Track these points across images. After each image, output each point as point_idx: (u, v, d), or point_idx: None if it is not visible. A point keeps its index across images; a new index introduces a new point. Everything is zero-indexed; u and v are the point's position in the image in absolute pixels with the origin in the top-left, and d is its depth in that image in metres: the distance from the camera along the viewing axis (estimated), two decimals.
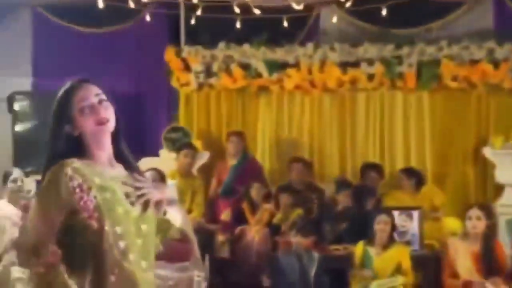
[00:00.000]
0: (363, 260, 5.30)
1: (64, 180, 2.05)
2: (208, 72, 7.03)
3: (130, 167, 2.22)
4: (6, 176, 5.29)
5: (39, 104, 7.16)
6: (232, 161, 6.73)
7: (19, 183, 5.19)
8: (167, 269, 4.96)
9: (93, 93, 2.16)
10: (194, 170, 6.66)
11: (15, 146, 7.01)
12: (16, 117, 7.05)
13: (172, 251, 5.05)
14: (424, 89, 6.77)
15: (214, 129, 7.20)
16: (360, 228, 5.62)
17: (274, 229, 6.08)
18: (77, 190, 2.04)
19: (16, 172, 5.30)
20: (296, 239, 5.37)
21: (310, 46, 6.92)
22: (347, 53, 6.82)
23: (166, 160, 6.54)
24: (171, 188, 5.86)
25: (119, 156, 2.22)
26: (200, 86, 7.09)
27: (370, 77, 6.76)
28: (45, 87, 7.24)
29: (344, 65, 6.79)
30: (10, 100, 7.09)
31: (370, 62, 6.73)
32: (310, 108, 7.07)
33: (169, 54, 7.03)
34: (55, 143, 2.16)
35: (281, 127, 7.13)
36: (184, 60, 7.04)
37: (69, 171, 2.04)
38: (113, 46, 7.26)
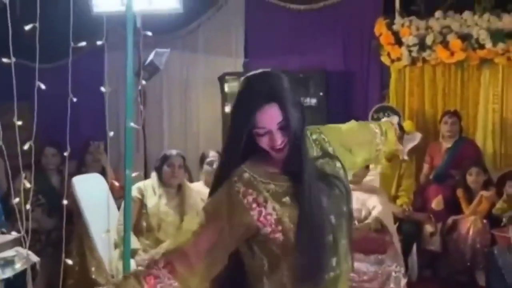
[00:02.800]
0: None
1: (237, 198, 2.01)
2: (422, 45, 6.64)
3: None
4: (203, 157, 5.37)
5: (253, 86, 7.29)
6: (447, 144, 6.35)
7: (215, 165, 5.21)
8: (363, 262, 4.71)
9: (275, 121, 2.02)
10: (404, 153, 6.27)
11: (223, 127, 7.12)
12: (225, 98, 7.14)
13: (367, 242, 4.82)
14: None
15: (428, 108, 6.83)
16: None
17: (493, 221, 5.65)
18: (254, 205, 2.01)
19: (213, 154, 5.34)
20: None
21: None
22: None
23: None
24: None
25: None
26: (413, 61, 6.74)
27: None
28: (256, 67, 7.37)
29: None
30: (221, 81, 7.24)
31: None
32: None
33: (380, 27, 6.76)
34: (232, 144, 2.09)
35: (507, 105, 6.56)
36: (395, 33, 6.73)
37: (241, 187, 2.01)
38: (324, 23, 7.16)
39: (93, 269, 4.88)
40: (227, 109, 7.02)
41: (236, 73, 7.28)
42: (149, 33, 4.06)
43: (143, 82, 4.58)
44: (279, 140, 2.04)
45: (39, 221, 5.43)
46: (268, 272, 2.03)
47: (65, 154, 3.27)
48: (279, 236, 1.98)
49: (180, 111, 7.50)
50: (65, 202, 3.42)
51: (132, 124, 3.64)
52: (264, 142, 2.07)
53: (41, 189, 5.35)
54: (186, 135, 7.42)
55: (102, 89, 3.60)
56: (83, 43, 3.23)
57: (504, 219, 5.41)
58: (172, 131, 7.58)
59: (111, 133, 3.55)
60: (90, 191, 4.95)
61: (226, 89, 7.15)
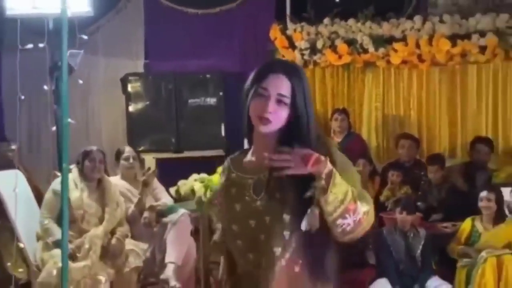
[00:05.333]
0: (470, 235, 5.28)
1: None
2: (313, 49, 7.04)
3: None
4: (119, 153, 5.60)
5: (151, 85, 7.55)
6: (337, 139, 6.71)
7: (131, 160, 5.50)
8: None
9: (278, 88, 2.01)
10: None
11: (128, 125, 7.33)
12: (129, 98, 7.33)
13: None
14: None
15: (319, 107, 7.21)
16: (470, 205, 5.51)
17: (380, 206, 5.98)
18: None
19: (128, 150, 5.58)
20: (401, 217, 5.31)
21: (418, 19, 6.82)
22: (457, 25, 6.68)
23: None
24: None
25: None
26: (305, 64, 7.11)
27: (482, 49, 6.58)
28: (157, 68, 7.65)
29: (454, 38, 6.64)
30: (124, 81, 7.39)
31: (482, 33, 6.56)
32: (418, 83, 6.98)
33: (274, 32, 7.12)
34: (244, 123, 2.10)
35: (388, 104, 7.09)
36: (289, 38, 7.10)
37: (224, 169, 2.19)
38: (220, 27, 7.42)
39: (9, 264, 5.01)
40: (131, 108, 7.28)
41: (138, 73, 7.49)
42: (85, 37, 4.27)
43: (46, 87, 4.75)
44: (271, 107, 2.00)
45: None
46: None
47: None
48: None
49: (82, 111, 7.52)
50: None
51: (69, 119, 3.89)
52: (255, 107, 2.02)
53: None
54: (88, 134, 7.51)
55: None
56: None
57: (389, 205, 5.88)
58: (75, 131, 7.62)
59: (53, 128, 3.78)
60: (10, 187, 4.92)
61: (129, 89, 7.35)
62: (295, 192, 1.97)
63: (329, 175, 1.92)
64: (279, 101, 2.01)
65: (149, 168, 5.50)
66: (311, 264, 2.07)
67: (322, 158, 1.93)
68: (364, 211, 2.03)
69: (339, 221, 1.98)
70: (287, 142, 2.01)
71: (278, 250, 2.03)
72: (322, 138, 2.12)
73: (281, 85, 2.01)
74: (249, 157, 2.16)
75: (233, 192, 2.13)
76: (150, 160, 6.62)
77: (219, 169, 2.15)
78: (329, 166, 1.93)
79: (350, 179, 2.02)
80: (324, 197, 1.93)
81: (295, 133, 2.04)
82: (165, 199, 5.47)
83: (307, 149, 1.94)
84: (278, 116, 2.01)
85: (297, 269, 2.05)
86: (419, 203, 5.86)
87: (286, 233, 2.03)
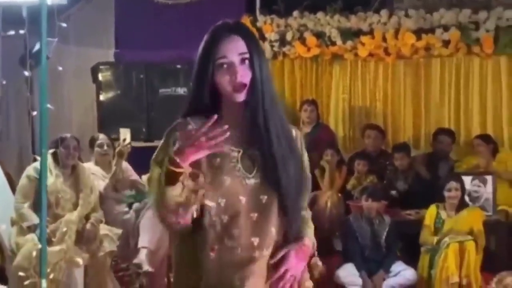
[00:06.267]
0: (434, 222, 5.41)
1: (173, 141, 1.90)
2: (282, 41, 7.14)
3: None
4: (93, 140, 5.68)
5: (122, 74, 7.48)
6: (306, 129, 6.80)
7: (105, 147, 5.58)
8: None
9: (237, 51, 1.92)
10: None
11: (99, 114, 7.32)
12: (100, 87, 7.31)
13: None
14: (502, 54, 6.69)
15: (288, 98, 7.29)
16: (433, 193, 5.67)
17: (346, 195, 6.18)
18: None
19: (102, 137, 5.67)
20: (367, 204, 5.45)
21: (384, 13, 6.94)
22: (422, 20, 6.82)
23: None
24: None
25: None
26: (275, 55, 7.22)
27: (446, 43, 6.74)
28: (127, 58, 7.61)
29: (419, 32, 6.78)
30: (95, 70, 7.35)
31: (446, 28, 6.71)
32: (384, 76, 7.11)
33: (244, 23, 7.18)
34: (193, 96, 1.99)
35: (354, 96, 7.22)
36: (259, 30, 7.14)
37: (177, 135, 1.90)
38: (190, 17, 7.41)
39: None
40: (102, 97, 7.29)
41: (109, 63, 7.46)
42: (64, 24, 4.33)
43: (27, 72, 4.81)
44: (239, 74, 1.90)
45: None
46: None
47: None
48: None
49: (53, 99, 7.50)
50: None
51: (48, 105, 3.98)
52: (225, 80, 1.92)
53: None
54: (59, 122, 7.50)
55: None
56: None
57: (355, 194, 6.03)
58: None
59: (34, 113, 3.85)
60: None
61: (100, 78, 7.32)
62: (286, 174, 1.96)
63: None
64: (243, 61, 1.92)
65: (124, 139, 5.50)
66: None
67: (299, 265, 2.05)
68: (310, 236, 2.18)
69: None
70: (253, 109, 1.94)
71: (273, 230, 1.99)
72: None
73: (238, 45, 1.92)
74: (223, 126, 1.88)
75: (218, 162, 1.95)
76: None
77: None
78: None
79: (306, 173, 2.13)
80: None
81: (254, 95, 1.93)
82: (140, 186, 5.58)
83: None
84: (248, 77, 1.92)
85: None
86: (393, 192, 6.04)
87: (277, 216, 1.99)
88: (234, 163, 1.97)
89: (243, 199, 1.95)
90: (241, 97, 1.93)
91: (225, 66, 1.91)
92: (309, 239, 2.13)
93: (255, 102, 1.93)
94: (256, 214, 1.96)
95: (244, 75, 1.91)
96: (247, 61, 1.92)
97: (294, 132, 2.08)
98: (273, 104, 1.97)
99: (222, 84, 1.92)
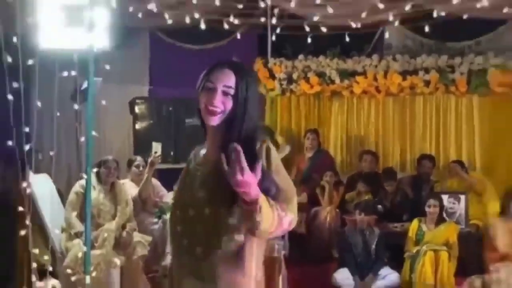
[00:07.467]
0: (416, 234, 5.43)
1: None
2: (290, 80, 7.22)
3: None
4: (131, 162, 5.82)
5: (154, 107, 7.69)
6: (308, 154, 6.84)
7: (141, 168, 5.71)
8: None
9: (223, 81, 1.82)
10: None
11: (135, 140, 7.50)
12: (136, 118, 7.50)
13: None
14: (474, 93, 6.73)
15: (294, 127, 7.34)
16: (416, 209, 5.73)
17: (343, 210, 6.17)
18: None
19: (139, 160, 5.80)
20: (360, 217, 5.47)
21: (375, 57, 7.02)
22: (407, 63, 6.89)
23: None
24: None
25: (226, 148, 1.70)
26: (283, 92, 7.29)
27: (427, 83, 6.80)
28: (159, 94, 7.76)
29: (404, 73, 6.85)
30: (132, 104, 7.56)
31: (427, 70, 6.79)
32: (375, 110, 7.15)
33: (258, 65, 7.27)
34: (199, 117, 1.91)
35: (350, 126, 7.24)
36: (270, 70, 7.25)
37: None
38: (212, 60, 7.49)
39: (35, 251, 5.16)
40: (137, 126, 7.46)
41: (143, 98, 7.62)
42: (107, 66, 4.50)
43: (76, 106, 4.94)
44: (217, 100, 1.80)
45: None
46: None
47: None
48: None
49: (97, 128, 7.53)
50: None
51: (93, 133, 4.16)
52: (203, 99, 1.83)
53: None
54: (102, 147, 7.61)
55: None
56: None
57: (350, 208, 5.98)
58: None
59: (82, 139, 4.02)
60: (41, 188, 5.16)
61: (136, 110, 7.51)
62: (230, 190, 1.69)
63: (255, 203, 1.67)
64: (225, 93, 1.82)
65: (155, 152, 5.57)
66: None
67: (254, 184, 1.65)
68: (289, 221, 1.79)
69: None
70: (232, 134, 1.81)
71: (214, 240, 1.81)
72: (262, 139, 1.84)
73: (226, 78, 1.83)
74: (204, 149, 1.95)
75: (187, 181, 1.93)
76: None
77: None
78: (259, 197, 1.68)
79: (282, 180, 1.81)
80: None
81: (236, 125, 1.82)
82: (167, 199, 5.68)
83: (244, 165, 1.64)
84: (224, 108, 1.82)
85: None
86: (379, 206, 5.99)
87: (223, 225, 1.80)
88: (196, 180, 1.91)
89: (191, 211, 1.90)
90: (213, 121, 1.83)
91: (208, 90, 1.83)
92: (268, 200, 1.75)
93: (230, 129, 1.82)
94: (199, 226, 1.85)
95: (221, 103, 1.81)
96: (231, 93, 1.82)
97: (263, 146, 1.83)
98: (248, 131, 1.83)
99: (201, 105, 1.85)
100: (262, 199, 1.69)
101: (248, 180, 1.63)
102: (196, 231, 1.82)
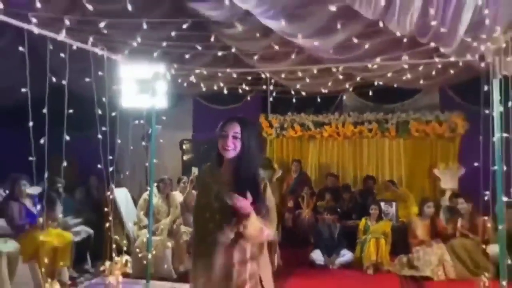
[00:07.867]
0: (364, 227, 5.36)
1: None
2: (282, 128, 7.19)
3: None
4: (179, 180, 5.77)
5: (194, 146, 7.68)
6: (294, 175, 6.78)
7: (185, 183, 5.66)
8: None
9: (233, 130, 1.84)
10: (273, 179, 6.73)
11: (182, 166, 7.51)
12: (183, 152, 7.54)
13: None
14: (400, 137, 6.71)
15: (285, 158, 7.26)
16: (364, 211, 5.64)
17: (316, 212, 6.10)
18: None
19: (184, 178, 5.75)
20: (327, 217, 5.45)
21: (337, 113, 7.01)
22: (357, 117, 6.87)
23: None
24: None
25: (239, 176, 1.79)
26: (278, 136, 7.24)
27: (370, 130, 6.78)
28: (198, 137, 7.74)
29: (355, 124, 6.84)
30: (180, 143, 7.61)
31: (370, 122, 6.77)
32: (337, 147, 7.06)
33: (261, 119, 7.26)
34: (213, 153, 1.91)
35: (321, 158, 7.15)
36: (269, 122, 7.24)
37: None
38: (232, 114, 7.47)
39: (116, 237, 5.11)
40: (184, 157, 7.42)
41: (188, 139, 7.62)
42: (164, 118, 4.51)
43: (144, 143, 4.99)
44: (229, 142, 1.82)
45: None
46: None
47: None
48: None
49: (157, 157, 7.54)
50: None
51: (155, 160, 4.17)
52: (220, 143, 1.84)
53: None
54: (161, 170, 7.55)
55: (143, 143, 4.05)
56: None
57: (321, 210, 5.87)
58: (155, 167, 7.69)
59: (146, 164, 4.01)
60: (121, 196, 5.19)
61: (184, 147, 7.52)
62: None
63: (247, 215, 1.71)
64: (234, 137, 1.84)
65: (194, 173, 5.50)
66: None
67: (246, 206, 1.71)
68: (268, 233, 1.81)
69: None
70: (241, 165, 1.82)
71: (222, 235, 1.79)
72: (260, 179, 1.86)
73: (235, 127, 1.85)
74: (219, 170, 1.91)
75: (205, 190, 1.89)
76: None
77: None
78: (251, 212, 1.72)
79: (271, 208, 1.85)
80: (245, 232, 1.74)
81: (244, 159, 1.83)
82: None
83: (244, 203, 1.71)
84: (234, 147, 1.84)
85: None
86: (339, 210, 5.90)
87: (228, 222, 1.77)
88: (212, 192, 1.88)
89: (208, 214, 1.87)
90: (228, 155, 1.84)
91: (224, 136, 1.85)
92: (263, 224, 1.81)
93: (240, 160, 1.84)
94: (211, 225, 1.85)
95: (232, 144, 1.83)
96: (238, 137, 1.84)
97: (262, 183, 1.89)
98: (250, 163, 1.85)
99: (219, 146, 1.86)
100: (254, 215, 1.73)
101: (242, 205, 1.70)
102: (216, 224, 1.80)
